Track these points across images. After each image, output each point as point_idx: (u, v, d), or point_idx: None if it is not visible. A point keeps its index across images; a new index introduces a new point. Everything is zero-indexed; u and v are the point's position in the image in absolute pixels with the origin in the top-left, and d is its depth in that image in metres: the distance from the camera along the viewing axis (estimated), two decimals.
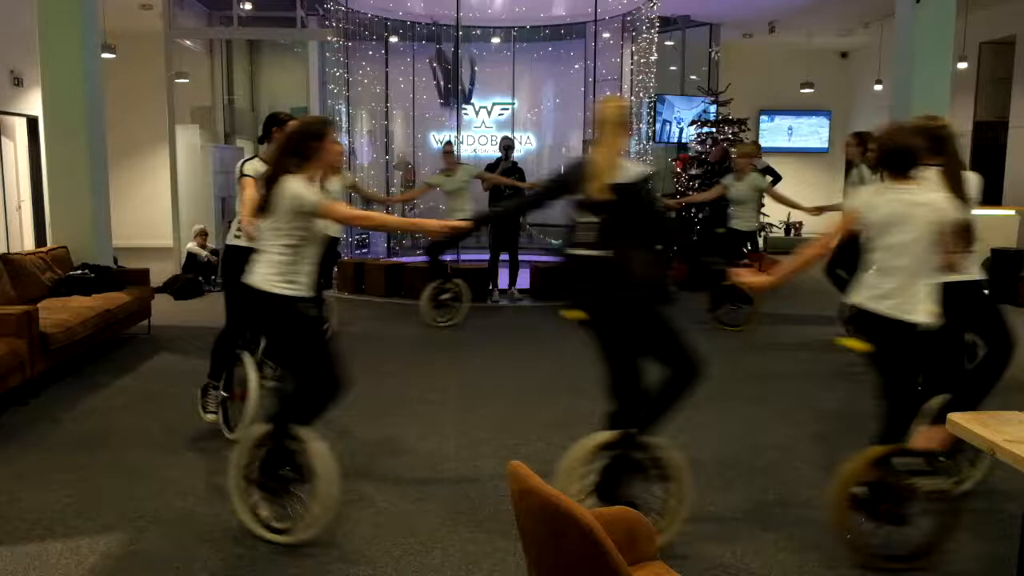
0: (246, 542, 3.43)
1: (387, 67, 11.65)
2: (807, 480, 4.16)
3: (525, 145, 13.38)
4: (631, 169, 3.35)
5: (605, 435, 3.35)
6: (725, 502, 3.87)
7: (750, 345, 7.28)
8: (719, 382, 6.07)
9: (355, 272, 9.81)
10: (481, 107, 13.30)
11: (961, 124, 11.45)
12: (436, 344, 7.30)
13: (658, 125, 13.02)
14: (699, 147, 11.42)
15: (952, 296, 3.47)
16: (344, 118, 11.26)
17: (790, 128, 15.95)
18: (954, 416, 2.61)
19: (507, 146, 9.42)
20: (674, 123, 13.44)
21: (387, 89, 11.59)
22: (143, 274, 7.66)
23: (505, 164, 9.15)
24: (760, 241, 11.20)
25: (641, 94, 11.60)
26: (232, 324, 4.67)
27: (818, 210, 7.45)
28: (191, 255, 10.18)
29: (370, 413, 5.19)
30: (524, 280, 9.19)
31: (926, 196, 3.22)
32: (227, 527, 3.56)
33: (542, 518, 1.85)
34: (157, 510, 3.73)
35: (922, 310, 3.17)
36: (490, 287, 9.08)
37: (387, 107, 11.71)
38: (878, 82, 13.61)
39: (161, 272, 9.20)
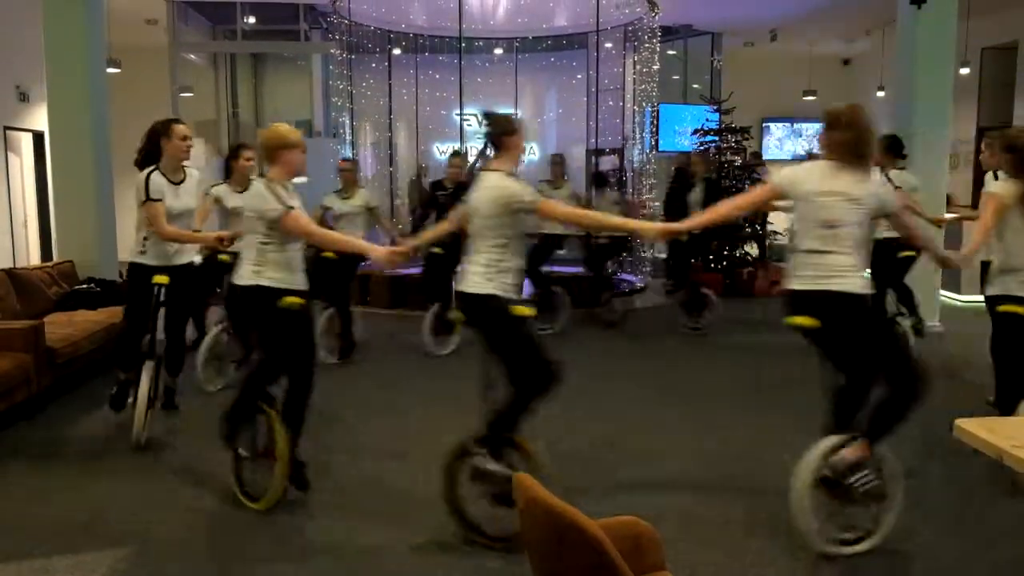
0: (251, 556, 3.43)
1: (390, 79, 11.69)
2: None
3: (528, 155, 13.40)
4: None
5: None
6: (733, 512, 3.86)
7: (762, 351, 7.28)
8: (730, 390, 6.09)
9: (360, 285, 9.81)
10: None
11: (964, 130, 11.44)
12: (440, 357, 7.27)
13: (660, 134, 13.02)
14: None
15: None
16: (348, 130, 11.30)
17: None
18: (961, 422, 2.59)
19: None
20: (677, 132, 13.46)
21: (390, 101, 11.62)
22: None
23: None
24: (762, 248, 11.22)
25: (643, 103, 11.62)
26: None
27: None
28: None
29: (371, 422, 5.20)
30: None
31: None
32: (232, 541, 3.56)
33: (548, 529, 1.84)
34: (163, 524, 3.73)
35: None
36: None
37: (391, 119, 11.75)
38: (881, 89, 13.61)
39: None
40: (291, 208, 3.75)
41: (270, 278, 3.78)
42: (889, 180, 5.94)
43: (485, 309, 3.50)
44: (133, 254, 4.72)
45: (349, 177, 6.99)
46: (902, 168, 6.56)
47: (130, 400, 4.82)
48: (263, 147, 3.87)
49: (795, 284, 3.46)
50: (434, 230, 4.39)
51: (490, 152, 3.70)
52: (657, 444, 4.88)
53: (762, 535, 3.60)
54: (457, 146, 10.83)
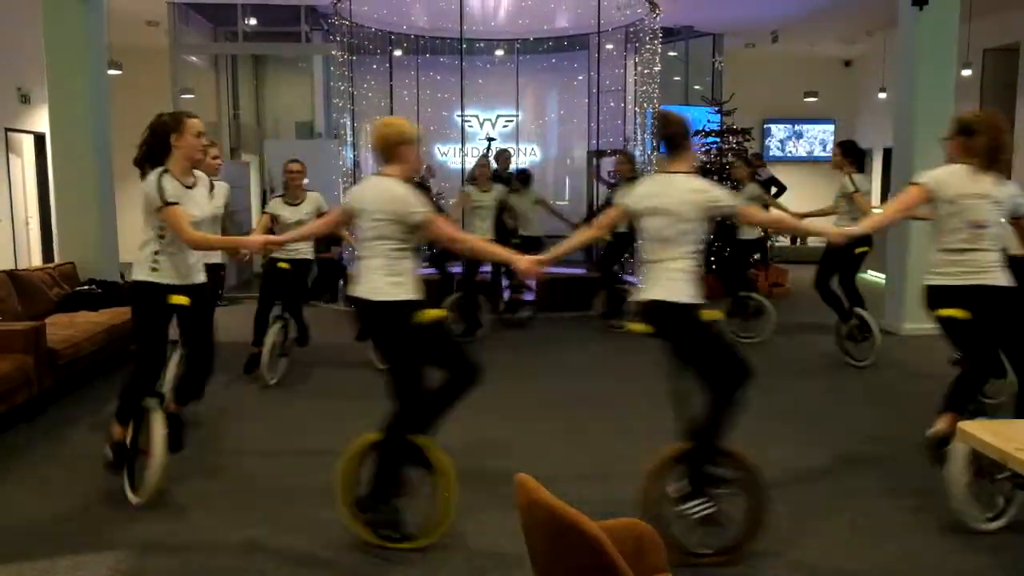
0: (249, 559, 3.43)
1: (391, 80, 11.69)
2: (816, 495, 4.14)
3: (530, 156, 13.40)
4: None
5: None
6: (735, 513, 3.84)
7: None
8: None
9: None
10: (485, 119, 13.34)
11: None
12: None
13: None
14: (703, 157, 11.42)
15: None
16: (349, 132, 11.30)
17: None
18: (964, 425, 2.59)
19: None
20: None
21: (391, 102, 11.62)
22: None
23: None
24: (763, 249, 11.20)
25: (645, 104, 11.61)
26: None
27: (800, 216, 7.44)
28: None
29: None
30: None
31: None
32: (230, 544, 3.56)
33: (549, 530, 1.84)
34: (163, 527, 3.73)
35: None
36: (495, 298, 8.98)
37: None
38: (882, 90, 13.61)
39: None
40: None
41: (412, 290, 3.39)
42: (852, 183, 6.54)
43: (686, 319, 3.31)
44: (142, 272, 3.86)
45: (298, 180, 6.33)
46: (859, 172, 6.81)
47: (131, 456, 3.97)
48: (382, 142, 3.48)
49: (941, 280, 3.78)
50: (577, 236, 3.97)
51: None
52: (659, 444, 4.85)
53: (764, 536, 3.58)
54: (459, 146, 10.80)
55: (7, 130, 10.02)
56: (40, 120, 10.07)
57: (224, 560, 3.41)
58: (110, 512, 3.87)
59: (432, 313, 3.42)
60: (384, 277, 3.37)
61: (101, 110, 7.76)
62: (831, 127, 15.83)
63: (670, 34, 12.98)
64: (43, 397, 5.44)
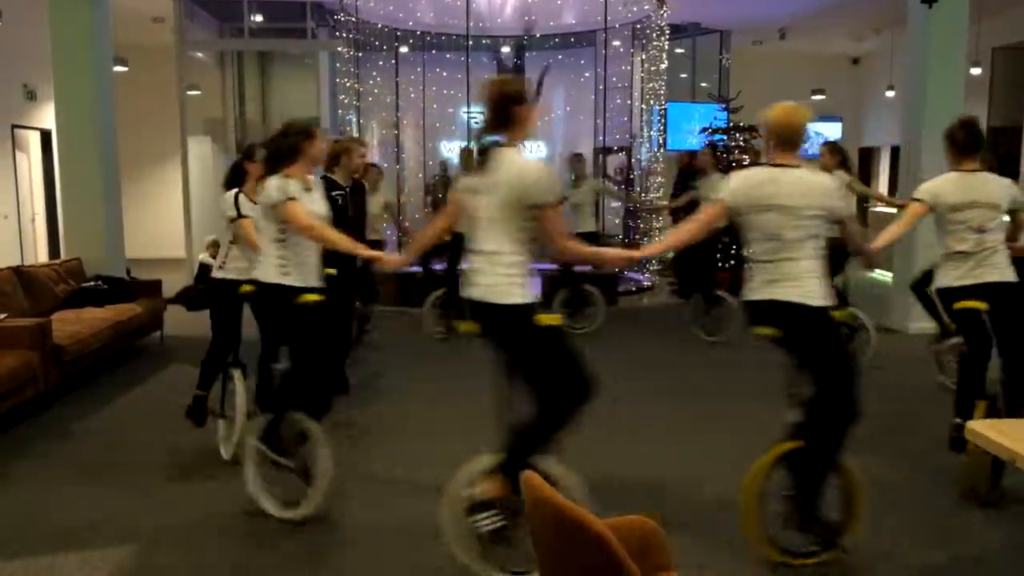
0: (255, 558, 3.43)
1: (397, 77, 11.68)
2: None
3: (535, 153, 13.39)
4: None
5: None
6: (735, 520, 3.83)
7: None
8: (737, 389, 6.06)
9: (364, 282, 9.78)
10: None
11: None
12: (444, 354, 7.27)
13: (669, 133, 12.99)
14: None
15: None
16: (354, 128, 11.29)
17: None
18: (972, 424, 2.57)
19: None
20: (685, 130, 13.42)
21: (397, 99, 11.61)
22: (155, 285, 7.70)
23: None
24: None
25: (651, 101, 11.58)
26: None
27: None
28: (203, 266, 10.20)
29: (377, 423, 5.19)
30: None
31: None
32: (237, 541, 3.56)
33: (555, 528, 1.83)
34: (169, 523, 3.73)
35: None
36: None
37: (397, 117, 11.73)
38: (890, 88, 13.55)
39: (174, 283, 9.25)
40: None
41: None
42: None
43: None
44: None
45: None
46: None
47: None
48: (801, 128, 3.16)
49: None
50: (888, 234, 3.93)
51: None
52: (665, 442, 4.85)
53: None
54: (462, 144, 10.76)
55: (14, 127, 10.05)
56: (46, 117, 10.10)
57: (228, 555, 3.41)
58: (117, 508, 3.88)
59: (839, 313, 3.30)
60: (816, 279, 3.12)
61: (107, 107, 7.78)
62: (838, 125, 15.76)
63: (677, 31, 12.93)
64: (49, 393, 5.46)
